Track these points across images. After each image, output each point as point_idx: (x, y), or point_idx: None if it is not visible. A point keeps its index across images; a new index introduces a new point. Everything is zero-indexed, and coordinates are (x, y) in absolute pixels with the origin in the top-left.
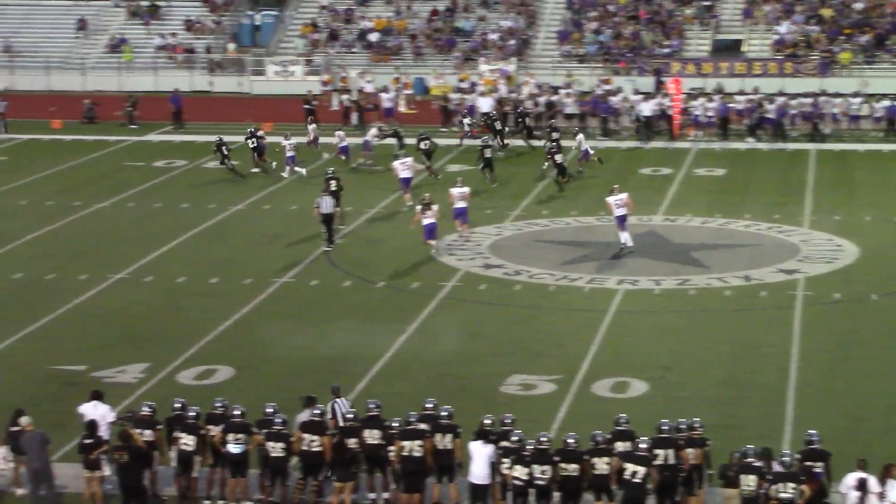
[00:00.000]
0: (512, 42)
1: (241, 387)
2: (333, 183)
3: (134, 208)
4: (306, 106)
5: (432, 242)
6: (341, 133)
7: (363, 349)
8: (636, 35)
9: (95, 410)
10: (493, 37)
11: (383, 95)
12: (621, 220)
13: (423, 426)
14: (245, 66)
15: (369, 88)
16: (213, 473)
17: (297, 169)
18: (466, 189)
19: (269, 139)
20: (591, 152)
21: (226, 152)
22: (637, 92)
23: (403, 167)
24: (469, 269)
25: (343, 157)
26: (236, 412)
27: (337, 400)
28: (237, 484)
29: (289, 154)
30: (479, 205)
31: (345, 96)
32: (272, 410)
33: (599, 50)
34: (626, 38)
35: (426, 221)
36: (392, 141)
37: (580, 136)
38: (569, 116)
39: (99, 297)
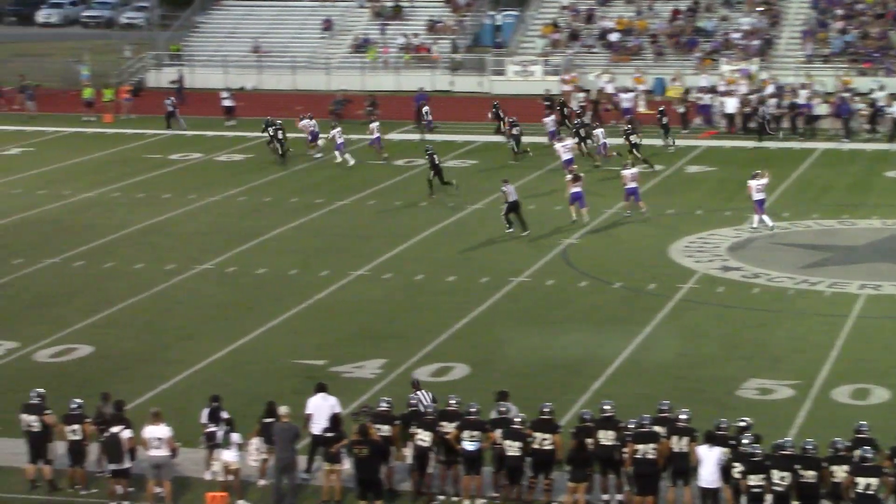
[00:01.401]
0: (754, 42)
1: (475, 384)
2: (436, 157)
3: (374, 206)
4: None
5: (582, 210)
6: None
7: (598, 350)
8: (883, 35)
9: (324, 402)
10: (736, 36)
11: (623, 95)
12: (760, 203)
13: (657, 429)
14: (485, 66)
15: (609, 88)
16: (446, 470)
17: (346, 157)
18: (636, 170)
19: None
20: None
21: (273, 134)
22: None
23: (565, 150)
24: (707, 272)
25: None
26: (472, 409)
27: (417, 392)
28: (471, 481)
29: (339, 141)
30: (718, 206)
31: (581, 94)
32: (506, 409)
33: (845, 50)
34: (872, 38)
35: (573, 190)
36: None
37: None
38: (811, 118)
39: (339, 293)
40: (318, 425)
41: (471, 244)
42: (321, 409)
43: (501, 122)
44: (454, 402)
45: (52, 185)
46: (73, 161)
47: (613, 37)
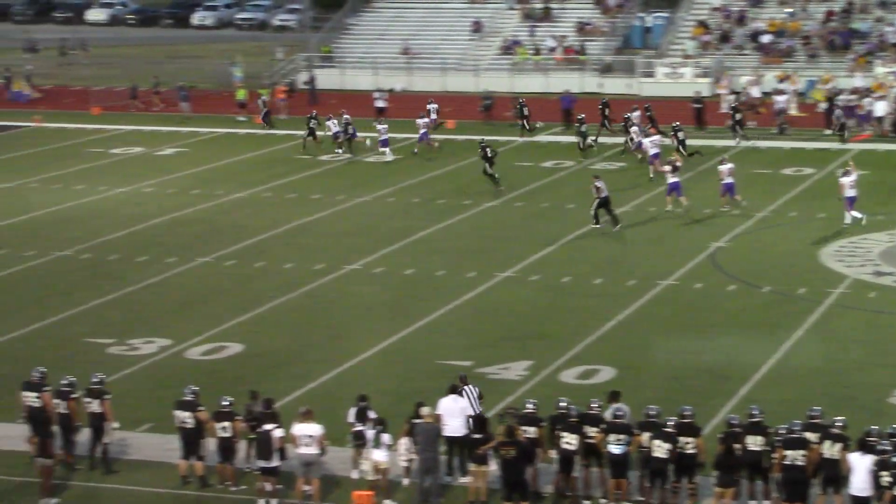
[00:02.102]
0: None
1: (622, 388)
2: (488, 150)
3: (521, 207)
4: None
5: (680, 198)
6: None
7: (746, 354)
8: None
9: (455, 404)
10: (891, 38)
11: (777, 98)
12: (851, 201)
13: (808, 435)
14: (635, 68)
15: (756, 93)
16: (591, 473)
17: (386, 150)
18: (731, 165)
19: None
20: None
21: (312, 126)
22: None
23: (653, 145)
24: (858, 277)
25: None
26: (619, 413)
27: (465, 387)
28: (617, 485)
29: (383, 137)
30: (871, 210)
31: (731, 97)
32: (655, 412)
33: None
34: None
35: (671, 179)
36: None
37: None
38: None
39: (486, 294)
40: (449, 426)
41: (618, 247)
42: (451, 410)
43: (525, 121)
44: (596, 405)
45: (205, 185)
46: (225, 161)
47: (765, 38)
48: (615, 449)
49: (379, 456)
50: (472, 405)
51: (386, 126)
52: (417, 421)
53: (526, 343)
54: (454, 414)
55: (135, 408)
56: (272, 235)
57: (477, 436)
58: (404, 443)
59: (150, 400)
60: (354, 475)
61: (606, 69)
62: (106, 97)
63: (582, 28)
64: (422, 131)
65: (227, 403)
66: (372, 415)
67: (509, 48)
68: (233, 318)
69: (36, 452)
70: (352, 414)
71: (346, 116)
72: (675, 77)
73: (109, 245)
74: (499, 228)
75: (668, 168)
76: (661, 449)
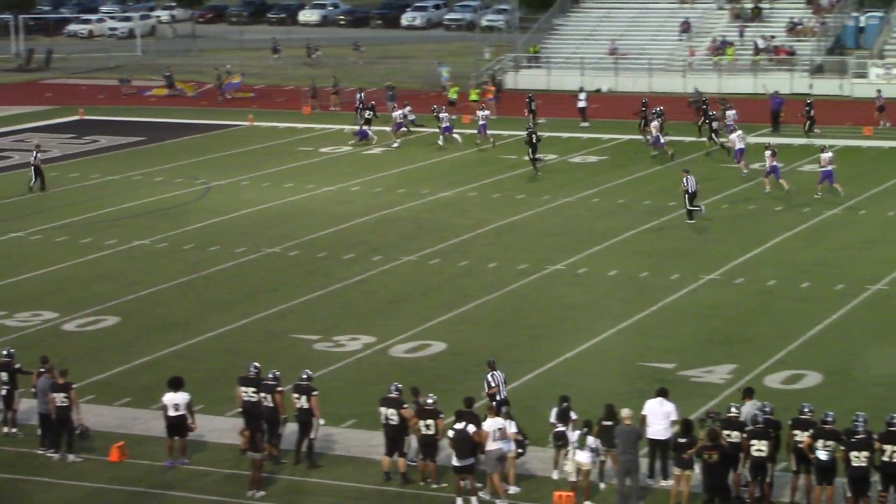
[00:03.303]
0: None
1: (828, 393)
2: (535, 136)
3: (727, 210)
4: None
5: (780, 181)
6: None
7: None
8: None
9: (660, 408)
10: None
11: None
12: None
13: None
14: (847, 69)
15: None
16: (796, 479)
17: (454, 136)
18: (831, 154)
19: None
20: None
21: (365, 113)
22: None
23: (739, 140)
24: None
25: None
26: (827, 419)
27: (493, 372)
28: (822, 491)
29: (444, 125)
30: None
31: None
32: (863, 420)
33: None
34: None
35: (772, 164)
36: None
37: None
38: None
39: (690, 296)
40: (653, 428)
41: (826, 250)
42: (656, 413)
43: (644, 121)
44: (808, 409)
45: (411, 184)
46: (431, 161)
47: None
48: (822, 455)
49: (582, 457)
50: (673, 412)
51: (447, 115)
52: (607, 423)
53: (730, 346)
54: (659, 417)
55: (339, 404)
56: (477, 235)
57: (682, 440)
58: (593, 444)
59: (355, 396)
60: (555, 475)
61: (817, 70)
62: (323, 97)
63: (792, 28)
64: (655, 135)
65: (431, 401)
66: (574, 416)
67: (718, 48)
68: (436, 316)
69: (246, 446)
70: (554, 414)
71: (407, 108)
72: (889, 78)
73: (317, 242)
74: (704, 230)
75: (768, 153)
76: (859, 458)
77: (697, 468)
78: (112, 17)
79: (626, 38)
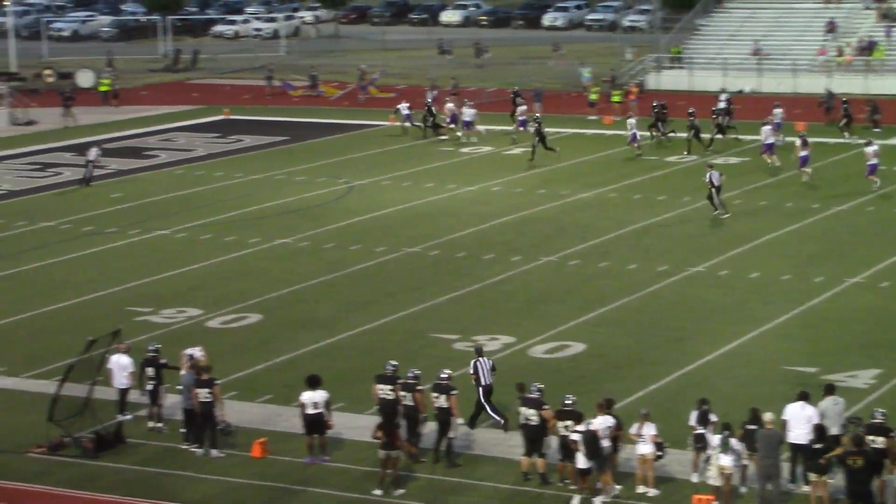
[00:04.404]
0: None
1: None
2: (541, 126)
3: (873, 212)
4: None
5: (807, 170)
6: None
7: None
8: None
9: (801, 412)
10: None
11: None
12: None
13: None
14: None
15: None
16: None
17: (479, 128)
18: (876, 147)
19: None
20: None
21: (430, 114)
22: None
23: (766, 133)
24: None
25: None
26: None
27: (480, 359)
28: None
29: (466, 119)
30: None
31: None
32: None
33: None
34: None
35: (802, 153)
36: None
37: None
38: None
39: (834, 299)
40: (794, 433)
41: None
42: (798, 417)
43: (657, 121)
44: None
45: (551, 184)
46: (571, 161)
47: None
48: None
49: (725, 461)
50: (815, 416)
51: (474, 111)
52: (752, 427)
53: (875, 351)
54: (800, 421)
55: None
56: (617, 236)
57: (818, 445)
58: (737, 447)
59: (493, 396)
60: (694, 479)
61: None
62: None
63: None
64: (768, 141)
65: (571, 402)
66: (713, 418)
67: (865, 48)
68: (576, 317)
69: (383, 444)
70: (693, 417)
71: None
72: None
73: (457, 242)
74: (849, 233)
75: (798, 143)
76: None
77: (835, 474)
78: (257, 18)
79: (769, 39)
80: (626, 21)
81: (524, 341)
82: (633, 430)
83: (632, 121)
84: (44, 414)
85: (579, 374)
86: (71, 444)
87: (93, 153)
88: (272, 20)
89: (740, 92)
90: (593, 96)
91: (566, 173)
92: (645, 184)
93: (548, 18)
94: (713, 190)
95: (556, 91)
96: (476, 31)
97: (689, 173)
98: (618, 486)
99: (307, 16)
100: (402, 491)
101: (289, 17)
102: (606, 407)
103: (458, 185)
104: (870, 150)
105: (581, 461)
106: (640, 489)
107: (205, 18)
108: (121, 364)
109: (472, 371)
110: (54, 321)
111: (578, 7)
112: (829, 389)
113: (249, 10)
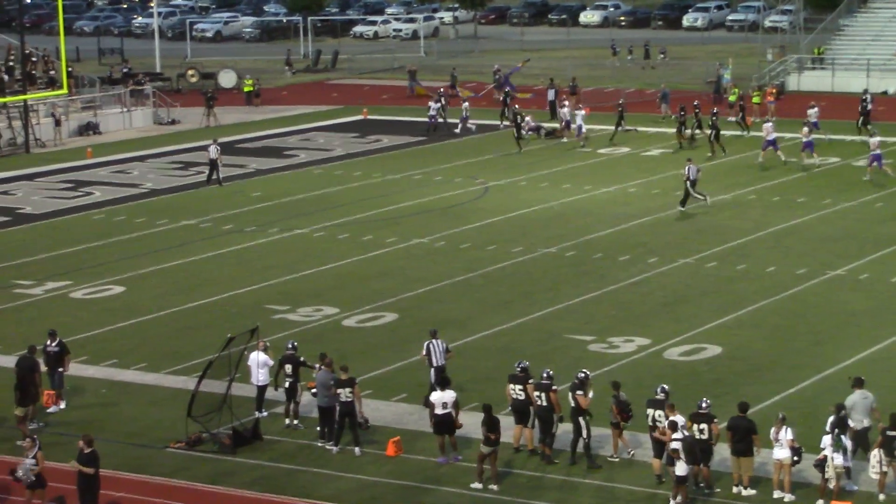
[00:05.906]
0: None
1: None
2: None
3: None
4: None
5: (813, 153)
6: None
7: None
8: None
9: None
10: None
11: None
12: None
13: None
14: None
15: None
16: None
17: (469, 126)
18: (880, 138)
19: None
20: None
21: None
22: None
23: (767, 130)
24: None
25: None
26: None
27: (433, 341)
28: None
29: (464, 115)
30: None
31: None
32: None
33: None
34: None
35: (806, 139)
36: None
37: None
38: None
39: None
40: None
41: None
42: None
43: (682, 125)
44: None
45: None
46: (708, 164)
47: None
48: None
49: (839, 460)
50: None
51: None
52: (892, 433)
53: None
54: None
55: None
56: (755, 238)
57: (892, 433)
58: (876, 454)
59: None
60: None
61: None
62: (593, 97)
63: None
64: (875, 153)
65: (706, 405)
66: (851, 424)
67: None
68: (712, 319)
69: (517, 444)
70: (830, 423)
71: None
72: None
73: (593, 243)
74: None
75: (805, 129)
76: None
77: None
78: (396, 19)
79: None
80: (768, 21)
81: (660, 343)
82: (771, 434)
83: (768, 125)
84: (183, 410)
85: (715, 377)
86: (209, 440)
87: (213, 151)
88: (411, 21)
89: (884, 93)
90: (732, 98)
91: (704, 175)
92: (784, 186)
93: (688, 19)
94: (688, 183)
95: (696, 92)
96: (614, 32)
97: (829, 176)
98: (788, 496)
99: (446, 17)
100: (497, 487)
101: (428, 18)
102: (742, 410)
103: (595, 185)
104: (873, 140)
105: (680, 468)
106: (776, 494)
107: (345, 19)
108: (259, 361)
109: (424, 352)
110: (194, 318)
111: (719, 7)
112: (859, 383)
113: (389, 10)
